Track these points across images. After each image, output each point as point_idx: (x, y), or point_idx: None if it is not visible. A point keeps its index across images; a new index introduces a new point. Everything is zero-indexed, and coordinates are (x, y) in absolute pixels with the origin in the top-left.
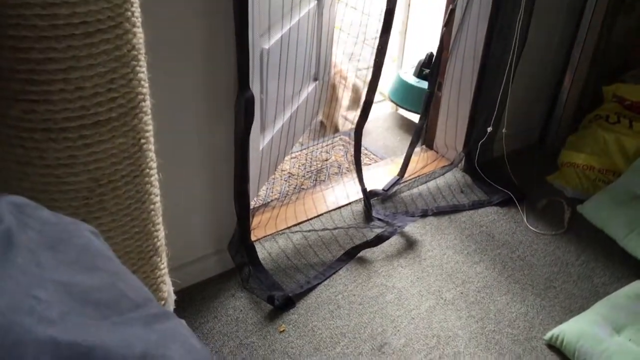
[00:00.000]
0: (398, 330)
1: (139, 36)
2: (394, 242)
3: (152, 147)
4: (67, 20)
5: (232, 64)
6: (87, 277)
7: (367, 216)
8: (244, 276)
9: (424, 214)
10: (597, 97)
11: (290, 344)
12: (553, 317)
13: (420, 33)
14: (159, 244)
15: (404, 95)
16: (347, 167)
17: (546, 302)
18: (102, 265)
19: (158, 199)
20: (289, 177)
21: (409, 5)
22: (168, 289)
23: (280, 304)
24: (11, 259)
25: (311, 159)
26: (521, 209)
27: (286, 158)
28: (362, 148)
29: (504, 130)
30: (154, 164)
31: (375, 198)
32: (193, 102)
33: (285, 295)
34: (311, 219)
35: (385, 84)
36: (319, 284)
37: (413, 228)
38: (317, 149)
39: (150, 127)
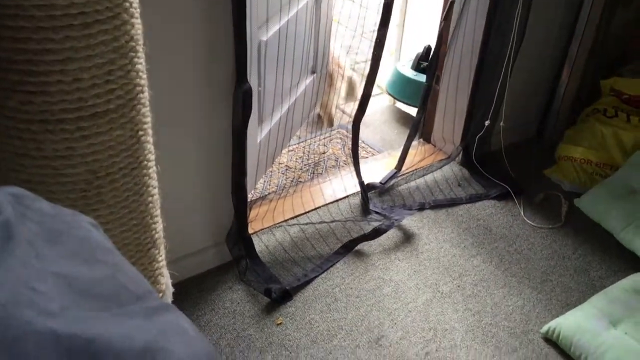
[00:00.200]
0: (395, 323)
1: (137, 27)
2: (391, 235)
3: (150, 139)
4: (65, 11)
5: (230, 56)
6: (87, 269)
7: (365, 209)
8: (242, 269)
9: (422, 208)
10: (595, 90)
11: (288, 337)
12: (549, 310)
13: (418, 26)
14: (157, 236)
15: (402, 88)
16: (344, 160)
17: (543, 296)
18: (102, 257)
19: (156, 191)
20: (287, 170)
21: None
22: (166, 282)
23: (278, 297)
24: (10, 251)
25: (309, 152)
26: (518, 202)
27: (284, 151)
28: (360, 141)
29: (501, 124)
30: (152, 156)
31: (373, 191)
32: (191, 95)
33: (283, 288)
34: (309, 211)
35: (383, 77)
36: (316, 277)
37: (410, 221)
38: (314, 142)
39: (149, 119)
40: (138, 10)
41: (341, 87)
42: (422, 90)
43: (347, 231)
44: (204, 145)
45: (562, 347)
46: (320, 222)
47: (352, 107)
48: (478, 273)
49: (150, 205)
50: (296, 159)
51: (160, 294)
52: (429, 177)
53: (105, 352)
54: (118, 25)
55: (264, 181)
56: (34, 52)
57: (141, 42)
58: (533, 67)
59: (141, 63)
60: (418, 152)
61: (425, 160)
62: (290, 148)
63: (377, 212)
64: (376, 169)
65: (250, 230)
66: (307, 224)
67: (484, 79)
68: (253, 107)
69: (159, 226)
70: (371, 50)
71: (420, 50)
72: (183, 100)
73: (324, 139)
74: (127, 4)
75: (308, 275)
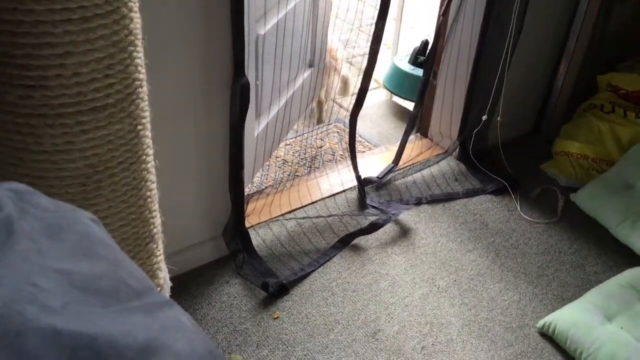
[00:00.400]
0: (391, 318)
1: (137, 21)
2: (388, 229)
3: (148, 133)
4: (64, 5)
5: (227, 51)
6: (88, 265)
7: (362, 204)
8: (238, 263)
9: (418, 202)
10: (592, 86)
11: (284, 331)
12: (545, 305)
13: (415, 20)
14: (155, 230)
15: (399, 82)
16: (341, 155)
17: (539, 290)
18: (103, 253)
19: (154, 185)
20: (284, 164)
21: None
22: (164, 276)
23: (274, 291)
24: (12, 246)
25: (306, 146)
26: (515, 197)
27: (281, 145)
28: (357, 135)
29: (498, 119)
30: (150, 151)
31: (370, 186)
32: (189, 89)
33: (279, 282)
34: (305, 206)
35: (381, 72)
36: (313, 271)
37: (407, 216)
38: (311, 135)
39: (147, 114)
40: (137, 4)
41: (334, 80)
42: (419, 85)
43: (344, 225)
44: (202, 139)
45: (558, 341)
46: (317, 217)
47: (349, 101)
48: (474, 267)
49: (149, 199)
50: (293, 152)
51: (159, 288)
52: (426, 172)
53: (106, 348)
54: (117, 20)
55: (261, 175)
56: (32, 46)
57: (140, 36)
58: (530, 62)
59: (140, 57)
60: (415, 146)
61: (422, 154)
62: (288, 142)
63: (374, 207)
64: (373, 163)
65: (247, 224)
66: (304, 218)
67: (482, 74)
68: (250, 101)
69: (157, 220)
70: (369, 44)
71: (418, 44)
72: (181, 94)
73: (321, 133)
74: None
75: (305, 269)
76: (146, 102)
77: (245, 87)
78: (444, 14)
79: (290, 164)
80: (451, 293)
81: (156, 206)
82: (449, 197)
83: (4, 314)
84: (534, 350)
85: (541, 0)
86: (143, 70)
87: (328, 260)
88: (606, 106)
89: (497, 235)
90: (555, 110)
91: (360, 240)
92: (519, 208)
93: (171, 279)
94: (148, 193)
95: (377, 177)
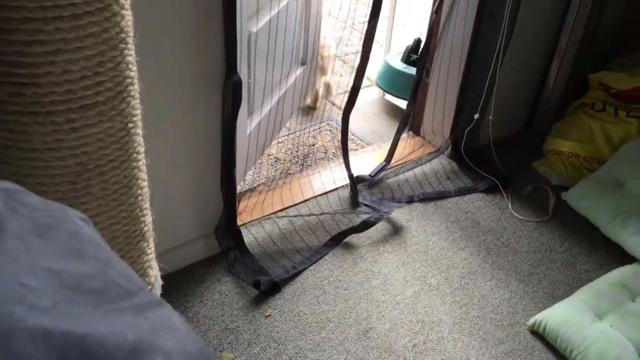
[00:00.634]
0: (383, 316)
1: (128, 19)
2: (380, 227)
3: (139, 131)
4: (55, 2)
5: (219, 48)
6: (78, 264)
7: (354, 202)
8: (230, 261)
9: (410, 200)
10: (583, 84)
11: (276, 329)
12: (536, 303)
13: (408, 18)
14: (146, 229)
15: (392, 81)
16: (333, 153)
17: (530, 288)
18: (93, 253)
19: (145, 183)
20: (276, 161)
21: None
22: (155, 274)
23: (266, 289)
24: (1, 245)
25: (298, 143)
26: (506, 195)
27: (273, 142)
28: (349, 133)
29: (490, 118)
30: (141, 149)
31: (362, 184)
32: (180, 86)
33: (271, 280)
34: (298, 204)
35: (373, 70)
36: (304, 269)
37: (399, 214)
38: (304, 133)
39: (138, 111)
40: (128, 1)
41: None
42: (412, 83)
43: (336, 224)
44: (194, 137)
45: (549, 339)
46: (309, 215)
47: (342, 99)
48: (466, 266)
49: (140, 197)
50: (285, 150)
51: (150, 287)
52: (418, 170)
53: (96, 349)
54: (108, 17)
55: (253, 173)
56: (23, 44)
57: (131, 33)
58: (522, 61)
59: (131, 55)
60: (407, 144)
61: (414, 153)
62: (280, 140)
63: (366, 205)
64: (365, 161)
65: (239, 222)
66: (296, 216)
67: (474, 73)
68: (243, 98)
69: (148, 219)
70: (361, 42)
71: (411, 42)
72: (173, 92)
73: (313, 130)
74: None
75: (297, 267)
76: (137, 100)
77: (238, 85)
78: (436, 12)
79: (282, 161)
80: (442, 291)
81: (147, 204)
82: (440, 196)
83: None
84: (525, 348)
85: None
86: (134, 68)
87: (320, 258)
88: (597, 105)
89: (488, 234)
90: (547, 109)
91: (352, 239)
92: (510, 206)
93: (163, 277)
94: (139, 191)
95: (370, 175)
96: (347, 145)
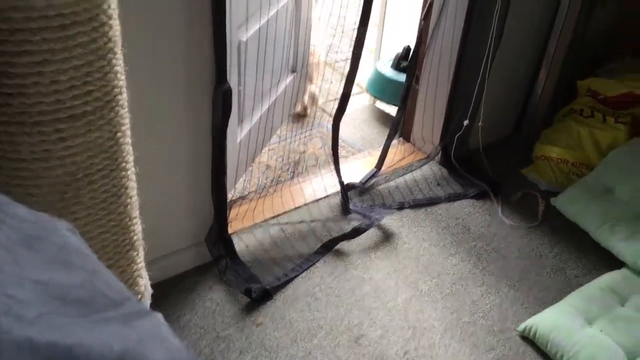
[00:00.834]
0: (374, 322)
1: (116, 28)
2: (371, 234)
3: (128, 140)
4: (43, 13)
5: (209, 56)
6: (65, 275)
7: (345, 209)
8: (222, 269)
9: (401, 207)
10: (572, 90)
11: (267, 337)
12: (527, 308)
13: (397, 25)
14: (135, 237)
15: (382, 87)
16: (324, 160)
17: (520, 294)
18: (80, 263)
19: (135, 192)
20: (267, 169)
21: None
22: (145, 283)
23: (258, 297)
24: None
25: (289, 151)
26: (496, 201)
27: (264, 150)
28: (340, 140)
29: (480, 124)
30: (130, 158)
31: (353, 190)
32: (170, 95)
33: (263, 288)
34: (289, 211)
35: (364, 77)
36: (296, 276)
37: (390, 220)
38: (294, 141)
39: (127, 121)
40: (116, 11)
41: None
42: (402, 90)
43: (327, 230)
44: (184, 146)
45: (539, 344)
46: (301, 222)
47: (332, 106)
48: (457, 272)
49: (129, 206)
50: (276, 158)
51: (139, 296)
52: (408, 177)
53: (82, 359)
54: (96, 27)
55: (244, 180)
56: (11, 54)
57: (119, 43)
58: (511, 67)
59: (119, 64)
60: (398, 151)
61: (405, 159)
62: (271, 147)
63: (357, 212)
64: (356, 168)
65: (230, 230)
66: (287, 223)
67: (463, 79)
68: (233, 106)
69: (138, 228)
70: (351, 49)
71: (400, 50)
72: (162, 100)
73: (304, 138)
74: (106, 6)
75: (288, 274)
76: (126, 109)
77: (228, 93)
78: (425, 18)
79: (273, 169)
80: (434, 297)
81: (136, 213)
82: (431, 202)
83: None
84: (516, 353)
85: (522, 4)
86: (123, 77)
87: (311, 265)
88: (585, 111)
89: (478, 240)
90: (536, 115)
91: (343, 245)
92: (500, 212)
93: (153, 285)
94: (128, 200)
95: (360, 182)
96: (337, 152)
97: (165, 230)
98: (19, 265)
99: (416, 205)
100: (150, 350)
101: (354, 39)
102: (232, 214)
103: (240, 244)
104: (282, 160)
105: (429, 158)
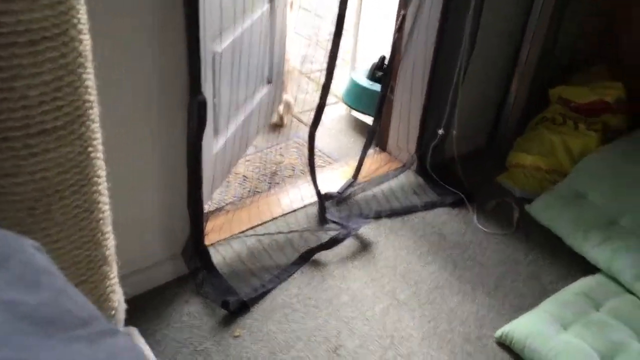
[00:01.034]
0: (353, 332)
1: (86, 43)
2: (349, 244)
3: (100, 155)
4: (11, 29)
5: (183, 68)
6: (31, 294)
7: (322, 219)
8: (198, 281)
9: (378, 216)
10: (544, 99)
11: (245, 349)
12: (503, 315)
13: (372, 36)
14: (108, 253)
15: (358, 97)
16: (301, 170)
17: (496, 301)
18: (47, 282)
19: (107, 207)
20: (244, 180)
21: (360, 9)
22: (118, 298)
23: (235, 309)
24: None
25: (265, 161)
26: (472, 209)
27: (240, 161)
28: (316, 150)
29: (454, 132)
30: (102, 172)
31: (330, 200)
32: (144, 108)
33: (240, 300)
34: (266, 222)
35: (339, 86)
36: (273, 287)
37: (367, 230)
38: (271, 151)
39: (99, 135)
40: (86, 25)
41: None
42: (377, 100)
43: (305, 241)
44: (158, 158)
45: (516, 351)
46: (278, 233)
47: (309, 116)
48: (433, 280)
49: (101, 222)
50: (253, 168)
51: (113, 311)
52: (385, 186)
53: None
54: (66, 42)
55: (221, 192)
56: None
57: (90, 57)
58: (484, 77)
59: (90, 79)
60: (374, 160)
61: (381, 168)
62: (247, 158)
63: (334, 222)
64: (333, 178)
65: (207, 242)
66: (264, 234)
67: (437, 89)
68: (208, 118)
69: (111, 242)
70: (326, 59)
71: (376, 60)
72: (136, 114)
73: (281, 148)
74: (75, 20)
75: (266, 286)
76: (97, 124)
77: (202, 105)
78: (399, 30)
79: (250, 180)
80: (411, 306)
81: (109, 228)
82: (408, 211)
83: None
84: None
85: (493, 15)
86: (93, 92)
87: (289, 276)
88: (557, 119)
89: (454, 248)
90: (508, 123)
91: (320, 256)
92: (475, 220)
93: (129, 300)
94: (100, 215)
95: (337, 192)
96: (314, 162)
97: (140, 244)
98: None
99: (393, 214)
100: None
101: (328, 49)
102: (209, 225)
103: (217, 256)
104: (259, 171)
105: (405, 167)
